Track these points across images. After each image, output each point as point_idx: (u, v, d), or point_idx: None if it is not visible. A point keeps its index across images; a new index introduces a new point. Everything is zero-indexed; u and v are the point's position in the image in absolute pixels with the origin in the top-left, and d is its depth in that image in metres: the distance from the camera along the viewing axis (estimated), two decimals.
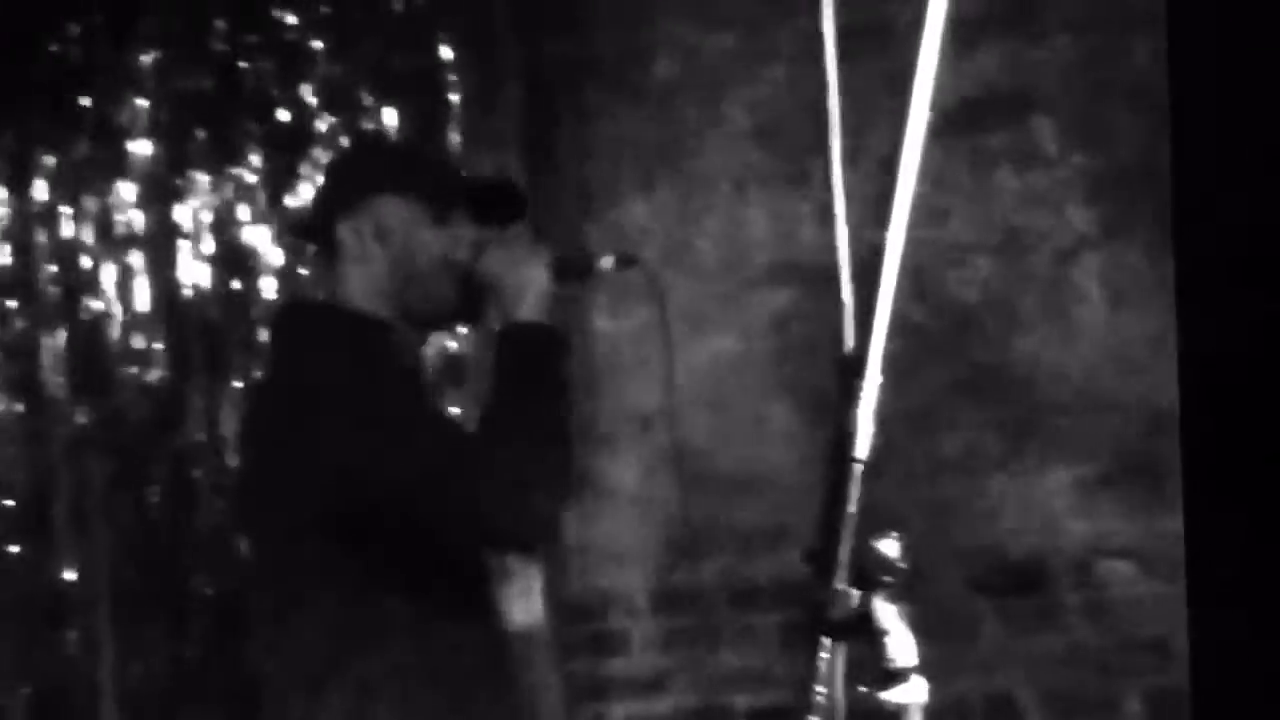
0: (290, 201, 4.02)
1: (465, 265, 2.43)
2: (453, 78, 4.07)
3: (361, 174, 2.51)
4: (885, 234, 1.78)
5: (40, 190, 4.05)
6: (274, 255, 4.04)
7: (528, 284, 2.38)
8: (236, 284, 4.03)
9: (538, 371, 2.35)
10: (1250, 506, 3.05)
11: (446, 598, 2.35)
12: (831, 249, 1.88)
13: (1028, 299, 4.10)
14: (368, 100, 4.03)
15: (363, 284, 2.43)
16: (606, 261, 2.47)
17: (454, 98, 4.09)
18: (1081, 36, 4.09)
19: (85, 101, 3.96)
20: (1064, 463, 4.04)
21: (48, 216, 4.06)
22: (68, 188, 4.00)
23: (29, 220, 4.04)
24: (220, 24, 3.97)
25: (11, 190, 4.05)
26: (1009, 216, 4.13)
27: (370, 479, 2.26)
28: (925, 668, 1.79)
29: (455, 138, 4.09)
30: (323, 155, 3.98)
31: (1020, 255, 4.10)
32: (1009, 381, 4.07)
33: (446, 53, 4.09)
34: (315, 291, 2.87)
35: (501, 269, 2.40)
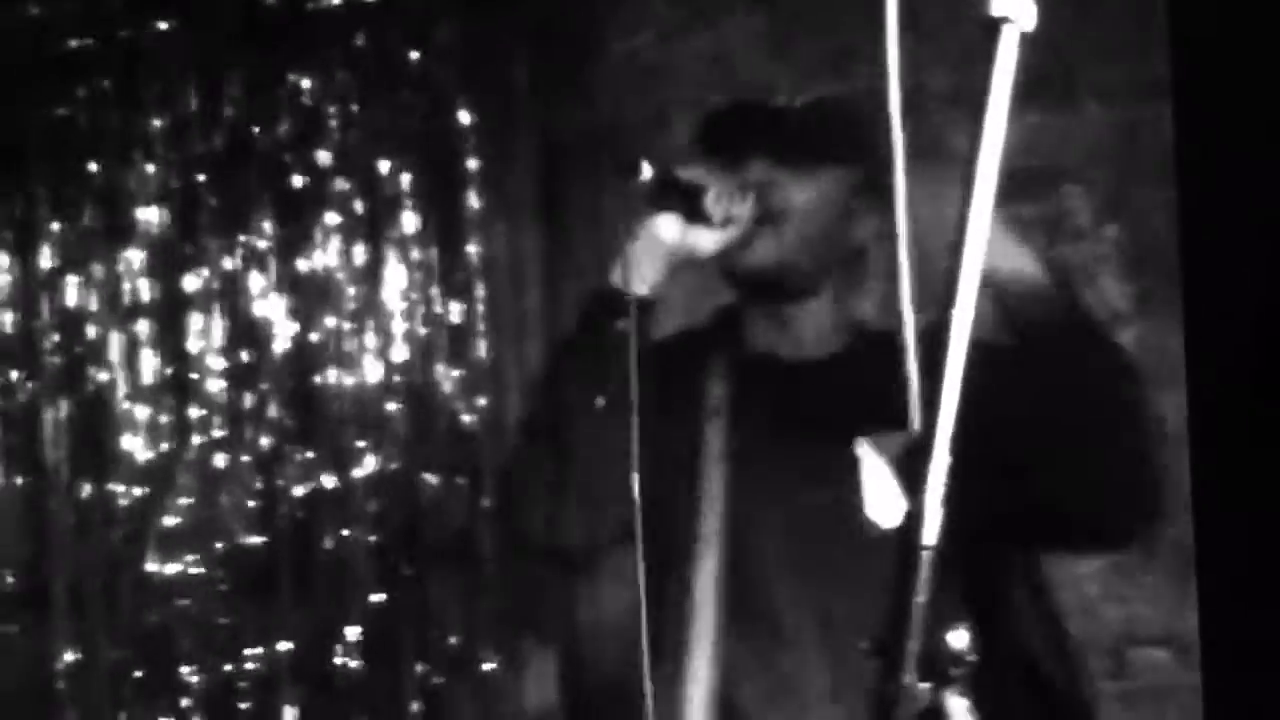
0: (303, 268, 3.91)
1: None
2: (470, 142, 3.98)
3: None
4: (950, 311, 1.65)
5: (45, 257, 3.96)
6: (286, 325, 3.93)
7: None
8: (245, 355, 3.91)
9: None
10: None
11: None
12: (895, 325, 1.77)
13: None
14: (383, 164, 3.94)
15: None
16: None
17: (471, 163, 4.00)
18: (1112, 105, 4.00)
19: (92, 166, 3.85)
20: None
21: (52, 284, 3.95)
22: (74, 255, 3.89)
23: (33, 287, 3.94)
24: (232, 88, 3.87)
25: (16, 257, 3.95)
26: None
27: None
28: None
29: (473, 203, 3.99)
30: (336, 220, 3.88)
31: None
32: None
33: (464, 117, 4.00)
34: None
35: None
